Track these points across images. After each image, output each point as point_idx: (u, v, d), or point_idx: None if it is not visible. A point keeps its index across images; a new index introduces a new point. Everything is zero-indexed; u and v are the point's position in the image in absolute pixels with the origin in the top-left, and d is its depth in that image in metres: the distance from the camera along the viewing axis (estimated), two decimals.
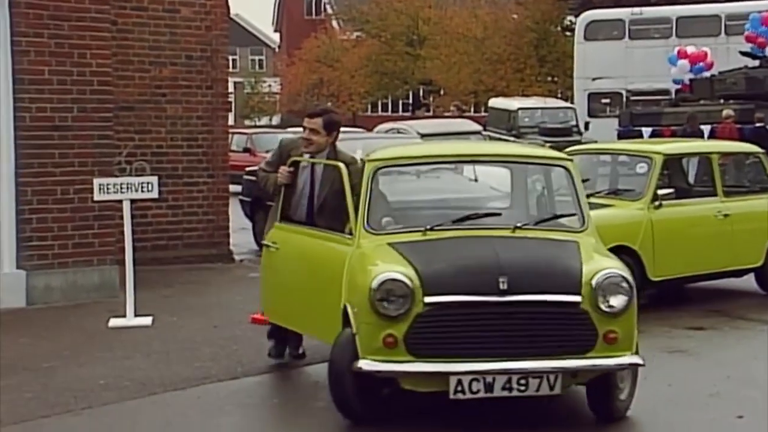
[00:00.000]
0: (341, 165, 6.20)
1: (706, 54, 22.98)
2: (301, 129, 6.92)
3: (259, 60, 61.64)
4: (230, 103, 13.14)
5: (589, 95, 27.23)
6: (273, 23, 62.05)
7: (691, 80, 22.69)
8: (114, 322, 8.21)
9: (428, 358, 5.22)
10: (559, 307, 5.30)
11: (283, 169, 6.67)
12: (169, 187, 11.18)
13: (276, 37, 62.56)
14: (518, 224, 5.87)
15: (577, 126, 24.57)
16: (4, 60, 8.91)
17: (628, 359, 5.42)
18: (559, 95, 37.03)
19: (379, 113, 47.54)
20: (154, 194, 8.52)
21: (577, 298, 5.31)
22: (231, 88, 19.41)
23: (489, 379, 5.19)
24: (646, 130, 20.75)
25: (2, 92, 8.91)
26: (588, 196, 9.33)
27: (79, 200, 9.21)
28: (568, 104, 27.68)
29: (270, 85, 55.83)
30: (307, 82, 48.04)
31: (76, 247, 9.26)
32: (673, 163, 9.87)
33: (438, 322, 5.24)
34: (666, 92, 24.01)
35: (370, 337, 5.26)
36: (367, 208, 5.89)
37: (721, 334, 8.24)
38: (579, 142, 19.00)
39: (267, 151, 18.25)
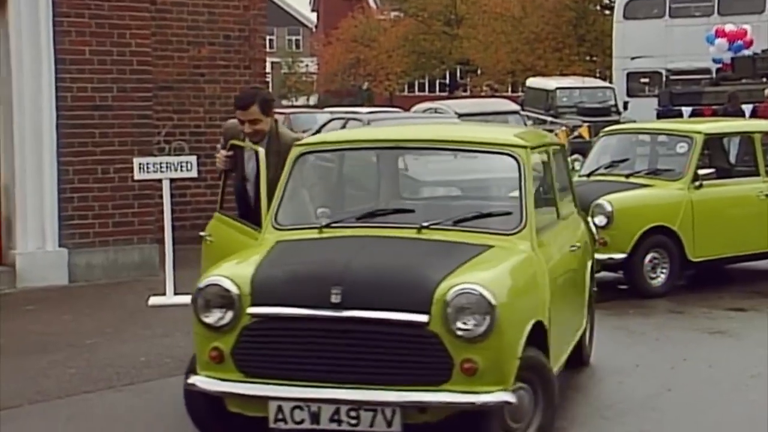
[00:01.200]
0: (260, 150, 5.64)
1: (745, 32, 22.64)
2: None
3: (296, 40, 61.65)
4: (268, 82, 13.16)
5: (628, 74, 26.96)
6: (310, 3, 62.01)
7: (732, 59, 22.38)
8: (154, 300, 8.29)
9: (257, 378, 4.47)
10: (401, 327, 4.34)
11: (221, 154, 6.11)
12: (207, 167, 11.22)
13: (313, 16, 62.53)
14: (426, 224, 4.96)
15: (615, 106, 24.35)
16: (46, 40, 9.00)
17: (492, 397, 4.33)
18: (598, 75, 36.69)
19: (416, 93, 47.45)
20: (193, 173, 8.58)
21: (423, 318, 4.32)
22: (268, 68, 19.40)
23: (314, 408, 4.37)
24: (686, 110, 20.52)
25: (44, 72, 9.00)
26: (627, 176, 9.45)
27: (119, 179, 9.31)
28: (606, 84, 27.43)
29: (307, 65, 55.86)
30: (344, 62, 48.00)
31: (117, 225, 9.36)
32: (714, 143, 9.77)
33: (265, 337, 4.48)
34: (707, 71, 23.71)
35: (199, 349, 4.60)
36: (280, 200, 5.25)
37: (762, 316, 8.16)
38: (617, 122, 18.84)
39: (304, 131, 18.33)
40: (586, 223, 6.74)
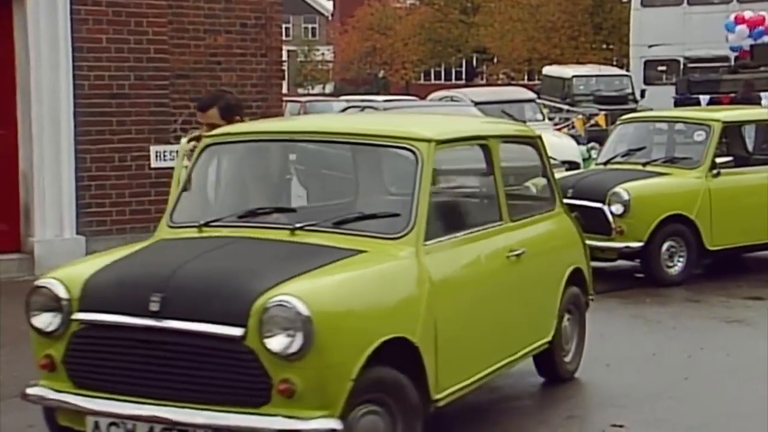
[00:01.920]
0: (182, 141, 5.47)
1: (764, 18, 22.49)
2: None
3: (313, 28, 61.62)
4: (284, 71, 13.17)
5: (646, 62, 26.83)
6: None
7: (751, 46, 22.24)
8: None
9: (86, 390, 4.15)
10: (217, 341, 3.95)
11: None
12: None
13: (329, 5, 62.47)
14: (300, 225, 4.56)
15: (633, 94, 24.25)
16: (64, 28, 9.02)
17: (313, 424, 3.86)
18: (615, 63, 36.55)
19: (432, 81, 47.39)
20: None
21: (238, 332, 3.91)
22: (285, 57, 19.48)
23: (130, 425, 4.03)
24: (704, 98, 20.42)
25: (62, 61, 9.03)
26: (644, 164, 9.41)
27: (137, 167, 9.34)
28: (623, 72, 27.31)
29: (323, 54, 55.85)
30: (360, 50, 47.99)
31: (134, 213, 9.40)
32: (732, 131, 9.72)
33: (91, 345, 4.16)
34: (725, 59, 23.56)
35: (36, 355, 4.28)
36: (178, 196, 5.00)
37: None
38: (635, 110, 18.75)
39: None
40: (576, 224, 6.11)
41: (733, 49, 23.09)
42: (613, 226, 8.68)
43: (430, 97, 18.11)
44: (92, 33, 9.14)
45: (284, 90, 24.35)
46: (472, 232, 4.97)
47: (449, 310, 4.58)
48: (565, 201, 9.03)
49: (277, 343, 3.87)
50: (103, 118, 9.26)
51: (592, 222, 8.81)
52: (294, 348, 3.86)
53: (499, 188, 5.22)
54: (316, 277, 4.11)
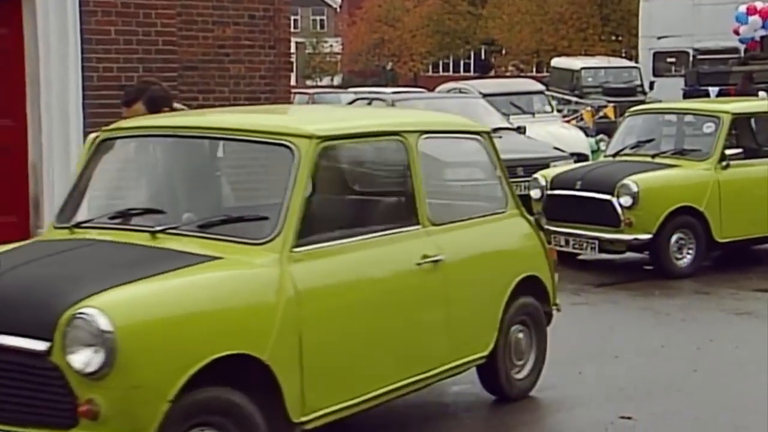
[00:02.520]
0: (89, 138, 5.13)
1: None
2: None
3: (321, 20, 61.55)
4: (292, 63, 13.18)
5: (655, 54, 26.75)
6: None
7: (762, 37, 22.16)
8: None
9: None
10: (22, 356, 3.65)
11: None
12: None
13: None
14: (161, 228, 4.23)
15: (641, 86, 24.19)
16: (73, 20, 9.03)
17: None
18: (624, 54, 36.44)
19: (441, 73, 47.32)
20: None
21: (42, 346, 3.60)
22: (293, 48, 19.46)
23: None
24: (713, 90, 20.36)
25: (71, 52, 9.03)
26: (653, 156, 9.40)
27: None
28: (632, 64, 27.24)
29: (331, 45, 55.80)
30: (369, 42, 47.93)
31: None
32: (741, 123, 9.69)
33: None
34: (735, 50, 23.47)
35: None
36: (68, 195, 4.78)
37: None
38: (643, 102, 18.72)
39: None
40: (536, 228, 5.59)
41: (742, 41, 23.00)
42: (622, 218, 8.67)
43: (438, 89, 18.08)
44: (101, 25, 9.14)
45: (292, 82, 24.36)
46: (367, 238, 4.51)
47: (322, 323, 4.16)
48: (573, 193, 9.26)
49: (78, 359, 3.57)
50: (112, 110, 9.22)
51: (600, 214, 8.82)
52: (94, 366, 3.55)
53: (417, 188, 4.76)
54: (135, 288, 3.75)
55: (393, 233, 4.67)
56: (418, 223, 4.78)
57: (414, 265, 4.67)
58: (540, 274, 5.53)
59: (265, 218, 4.19)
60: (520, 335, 5.40)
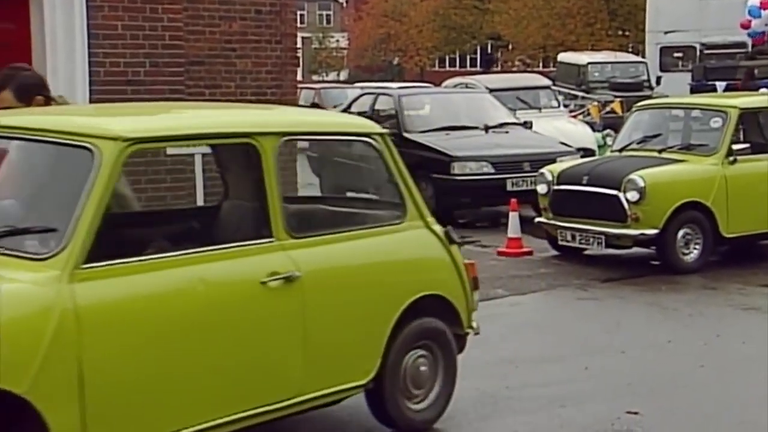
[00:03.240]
0: None
1: None
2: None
3: (327, 15, 61.54)
4: (299, 58, 13.18)
5: (661, 49, 26.70)
6: None
7: None
8: None
9: None
10: None
11: None
12: None
13: None
14: None
15: (648, 81, 24.14)
16: (80, 15, 9.04)
17: None
18: (630, 49, 36.37)
19: (447, 68, 47.29)
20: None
21: None
22: (299, 44, 19.47)
23: None
24: (720, 85, 20.31)
25: (77, 47, 9.05)
26: (660, 151, 9.39)
27: (152, 154, 9.34)
28: (639, 58, 27.18)
29: (338, 40, 55.82)
30: (375, 37, 47.93)
31: (150, 200, 9.41)
32: (748, 118, 9.66)
33: None
34: (742, 45, 23.40)
35: None
36: None
37: None
38: (650, 97, 18.68)
39: (335, 107, 18.32)
40: (445, 240, 4.91)
41: (751, 35, 22.90)
42: (629, 213, 8.66)
43: (444, 84, 18.08)
44: (108, 20, 9.15)
45: (299, 77, 24.38)
46: (190, 253, 3.96)
47: (115, 352, 3.64)
48: (580, 188, 9.26)
49: None
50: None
51: (607, 209, 8.81)
52: None
53: (271, 197, 4.20)
54: None
55: (231, 248, 4.08)
56: (270, 236, 4.20)
57: (257, 284, 4.07)
58: (447, 293, 4.85)
59: (53, 230, 3.68)
60: (420, 361, 4.75)
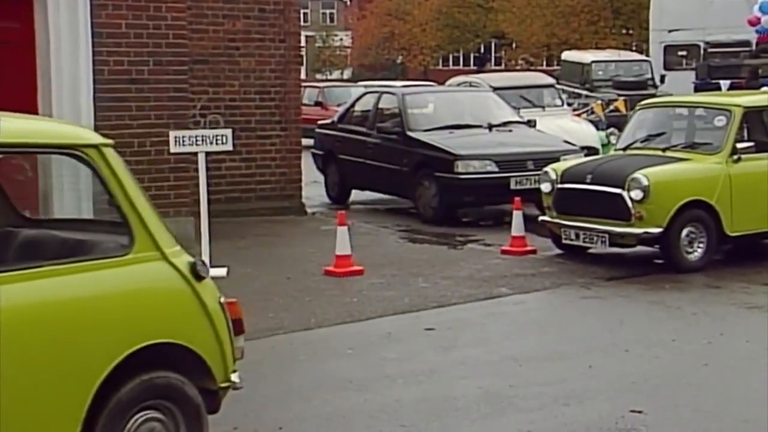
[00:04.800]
0: None
1: None
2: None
3: (330, 14, 61.51)
4: (302, 56, 13.18)
5: (665, 48, 26.65)
6: None
7: None
8: None
9: None
10: None
11: None
12: (242, 140, 11.30)
13: None
14: None
15: (652, 79, 24.11)
16: (84, 14, 9.04)
17: None
18: (634, 48, 36.34)
19: (451, 67, 47.27)
20: (229, 147, 8.63)
21: None
22: (303, 42, 19.45)
23: None
24: (725, 83, 20.27)
25: (81, 46, 9.05)
26: (663, 150, 9.38)
27: (156, 152, 9.36)
28: (643, 57, 27.15)
29: (341, 39, 55.77)
30: (378, 36, 47.90)
31: (153, 198, 9.24)
32: (753, 116, 9.64)
33: None
34: (746, 43, 23.35)
35: None
36: None
37: None
38: (654, 96, 18.67)
39: (338, 105, 18.32)
40: (192, 275, 4.07)
41: (759, 31, 22.81)
42: (633, 211, 8.65)
43: (448, 82, 18.07)
44: (112, 18, 9.16)
45: (302, 75, 24.38)
46: None
47: None
48: (584, 187, 9.27)
49: None
50: (123, 104, 9.28)
51: (611, 208, 8.80)
52: None
53: None
54: None
55: None
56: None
57: None
58: (187, 341, 4.03)
59: None
60: (153, 425, 3.98)
